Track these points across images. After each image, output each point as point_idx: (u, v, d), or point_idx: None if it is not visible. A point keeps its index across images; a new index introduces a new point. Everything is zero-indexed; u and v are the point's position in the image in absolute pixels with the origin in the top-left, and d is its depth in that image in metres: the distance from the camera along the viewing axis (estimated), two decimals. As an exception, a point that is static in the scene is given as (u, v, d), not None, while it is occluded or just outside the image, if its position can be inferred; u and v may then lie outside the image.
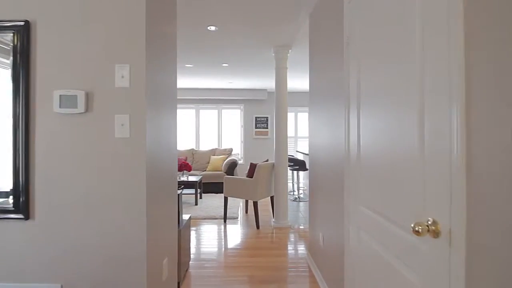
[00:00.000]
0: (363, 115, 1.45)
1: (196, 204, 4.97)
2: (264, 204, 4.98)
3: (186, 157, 6.60)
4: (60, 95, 1.49)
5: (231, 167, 6.05)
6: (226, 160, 6.15)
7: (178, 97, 7.34)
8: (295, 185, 6.33)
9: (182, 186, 5.44)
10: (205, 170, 6.52)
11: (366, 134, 1.40)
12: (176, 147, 2.22)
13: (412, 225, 0.95)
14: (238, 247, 3.17)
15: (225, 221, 4.10)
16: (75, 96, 1.49)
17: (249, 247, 3.16)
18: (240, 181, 3.96)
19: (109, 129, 1.51)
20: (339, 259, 1.88)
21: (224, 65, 4.84)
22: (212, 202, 5.20)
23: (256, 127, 7.66)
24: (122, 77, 1.52)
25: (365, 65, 1.41)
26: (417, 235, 0.94)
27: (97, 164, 1.49)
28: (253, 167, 3.94)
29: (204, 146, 7.59)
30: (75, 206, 1.48)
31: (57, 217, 1.48)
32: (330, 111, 2.15)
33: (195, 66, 4.96)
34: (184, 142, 7.59)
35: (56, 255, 1.49)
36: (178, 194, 2.50)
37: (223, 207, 4.13)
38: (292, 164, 5.26)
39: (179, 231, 2.35)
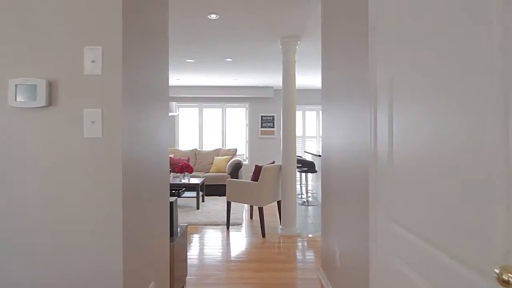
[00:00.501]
0: (399, 111, 1.11)
1: (198, 208, 4.68)
2: (271, 208, 4.65)
3: (189, 158, 6.32)
4: (16, 85, 1.20)
5: (236, 169, 5.74)
6: (230, 161, 5.84)
7: (180, 96, 7.09)
8: (303, 188, 6.00)
9: (184, 188, 5.17)
10: (208, 171, 6.23)
11: (404, 134, 1.07)
12: (167, 148, 1.92)
13: (497, 270, 0.63)
14: (241, 258, 2.85)
15: (228, 228, 3.79)
16: (34, 86, 1.19)
17: (253, 259, 2.85)
18: (244, 184, 3.64)
19: (77, 127, 1.21)
20: (361, 285, 1.55)
21: (227, 60, 4.53)
22: (215, 206, 4.90)
23: (262, 127, 7.34)
24: (93, 62, 1.22)
25: (401, 53, 1.09)
26: (506, 286, 0.62)
27: (61, 171, 1.19)
28: (258, 169, 3.62)
29: (208, 146, 7.31)
30: (31, 222, 1.18)
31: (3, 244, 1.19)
32: (349, 108, 1.82)
33: (197, 61, 4.67)
34: (187, 142, 7.32)
35: None
36: (172, 202, 2.20)
37: (226, 212, 3.82)
38: (300, 165, 4.92)
39: (173, 245, 2.05)
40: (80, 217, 1.19)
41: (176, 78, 6.05)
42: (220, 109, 7.34)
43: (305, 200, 5.16)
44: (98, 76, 1.22)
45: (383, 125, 1.27)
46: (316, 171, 5.05)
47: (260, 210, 3.52)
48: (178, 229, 2.33)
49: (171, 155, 6.34)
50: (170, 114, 6.15)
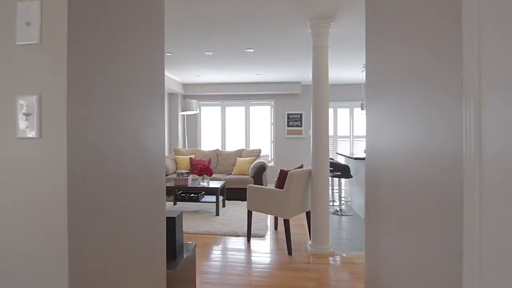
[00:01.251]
0: None
1: (217, 214, 4.26)
2: (298, 219, 4.12)
3: (210, 159, 5.96)
4: None
5: (259, 171, 5.27)
6: (254, 163, 5.38)
7: (201, 93, 6.76)
8: (336, 195, 5.39)
9: (203, 192, 4.80)
10: (230, 173, 5.82)
11: None
12: (162, 150, 1.48)
13: None
14: (263, 283, 2.37)
15: (248, 240, 3.32)
16: None
17: (278, 284, 2.35)
18: (267, 192, 3.16)
19: (5, 123, 0.80)
20: None
21: (248, 50, 4.07)
22: (236, 212, 4.46)
23: (288, 125, 6.80)
24: (28, 24, 0.80)
25: None
26: None
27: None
28: (283, 175, 3.11)
29: (231, 147, 6.91)
30: None
31: None
32: (416, 104, 1.26)
33: (216, 54, 4.25)
34: (210, 142, 6.98)
35: None
36: (174, 217, 1.77)
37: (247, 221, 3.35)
38: (332, 169, 4.33)
39: (173, 273, 1.61)
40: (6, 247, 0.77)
41: (197, 75, 5.71)
42: (244, 107, 6.91)
43: (338, 209, 4.56)
44: (35, 45, 0.80)
45: (497, 126, 0.72)
46: (351, 176, 4.42)
47: (286, 222, 3.01)
48: (184, 250, 1.90)
49: (192, 156, 6.02)
50: (190, 112, 5.83)
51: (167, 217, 1.80)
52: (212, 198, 4.52)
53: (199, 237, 3.42)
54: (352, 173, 4.78)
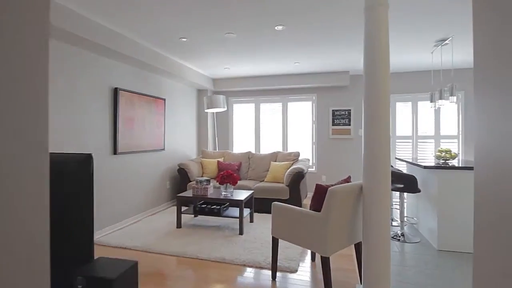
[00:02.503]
0: None
1: (241, 233, 3.47)
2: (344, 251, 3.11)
3: (241, 163, 5.21)
4: None
5: (296, 179, 4.34)
6: (290, 169, 4.48)
7: (233, 89, 6.05)
8: (395, 213, 4.24)
9: (227, 204, 4.05)
10: (263, 180, 4.99)
11: None
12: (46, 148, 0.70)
13: None
14: None
15: (273, 278, 2.45)
16: None
17: None
18: (297, 214, 2.26)
19: None
20: None
21: (278, 27, 3.20)
22: (266, 230, 3.62)
23: (333, 124, 5.74)
24: None
25: None
26: None
27: None
28: (321, 191, 2.18)
29: (267, 149, 6.08)
30: None
31: None
32: None
33: (239, 36, 3.47)
34: (242, 143, 6.24)
35: None
36: (111, 280, 1.00)
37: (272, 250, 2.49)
38: (392, 179, 3.22)
39: None
40: None
41: (224, 67, 5.00)
42: (281, 104, 6.02)
43: (399, 233, 3.42)
44: None
45: None
46: (418, 190, 3.26)
47: (325, 260, 2.08)
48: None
49: (221, 159, 5.34)
50: (217, 110, 5.14)
51: (89, 278, 1.03)
52: (235, 213, 3.74)
53: (210, 266, 2.66)
54: (420, 185, 3.60)
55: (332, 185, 2.14)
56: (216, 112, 6.29)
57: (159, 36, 3.48)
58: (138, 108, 4.12)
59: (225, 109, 5.26)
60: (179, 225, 3.69)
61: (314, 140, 5.87)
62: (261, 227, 3.77)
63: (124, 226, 3.79)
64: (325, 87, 5.77)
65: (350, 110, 5.66)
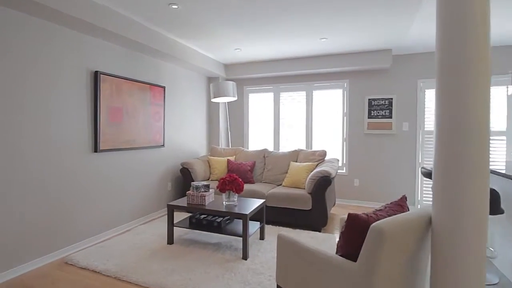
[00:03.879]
0: None
1: (245, 257, 2.65)
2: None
3: (254, 163, 4.38)
4: None
5: (321, 186, 3.42)
6: (314, 172, 3.55)
7: (248, 76, 5.18)
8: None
9: (229, 218, 3.03)
10: (280, 184, 4.13)
11: None
12: None
13: None
14: None
15: None
16: None
17: None
18: (317, 260, 1.37)
19: None
20: None
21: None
22: (278, 254, 2.77)
23: (370, 116, 4.69)
24: None
25: None
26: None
27: None
28: (356, 227, 1.27)
29: (287, 146, 5.19)
30: None
31: None
32: None
33: (245, 2, 2.61)
34: (259, 139, 5.40)
35: None
36: None
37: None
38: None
39: None
40: None
41: (235, 48, 4.17)
42: (304, 93, 5.07)
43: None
44: None
45: None
46: (501, 211, 2.21)
47: None
48: None
49: (231, 158, 4.55)
50: (226, 99, 4.34)
51: None
52: (240, 230, 2.93)
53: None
54: (503, 204, 2.53)
55: (376, 215, 1.23)
56: (228, 103, 5.50)
57: (144, 2, 2.72)
58: (128, 97, 3.44)
59: (236, 98, 4.44)
60: (170, 240, 2.96)
61: (345, 136, 4.86)
62: (273, 247, 2.91)
63: (105, 239, 3.14)
64: (359, 71, 4.72)
65: (391, 99, 4.56)
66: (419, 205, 4.48)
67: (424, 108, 4.43)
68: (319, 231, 3.44)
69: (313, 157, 4.10)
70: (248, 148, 5.43)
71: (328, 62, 4.60)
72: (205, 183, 3.03)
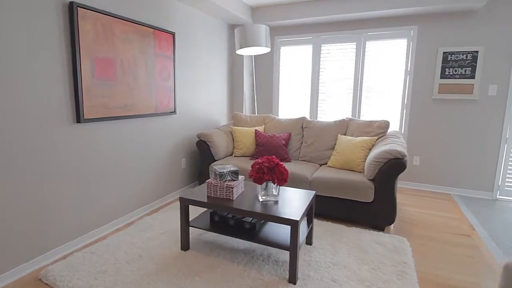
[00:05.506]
0: None
1: (293, 281, 1.81)
2: None
3: (290, 134, 3.43)
4: None
5: (389, 172, 2.45)
6: (379, 152, 2.57)
7: (281, 22, 3.89)
8: None
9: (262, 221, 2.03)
10: (325, 163, 3.20)
11: None
12: None
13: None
14: None
15: None
16: None
17: None
18: None
19: None
20: None
21: None
22: (340, 268, 1.91)
23: (443, 76, 3.53)
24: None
25: None
26: None
27: None
28: None
29: (329, 115, 4.17)
30: None
31: None
32: None
33: None
34: (291, 106, 4.38)
35: None
36: None
37: None
38: None
39: None
40: None
41: (269, -25, 2.99)
42: (354, 44, 3.90)
43: None
44: None
45: None
46: None
47: None
48: None
49: (259, 128, 3.60)
50: (256, 50, 3.29)
51: None
52: (284, 236, 2.07)
53: None
54: None
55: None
56: (254, 58, 4.41)
57: None
58: (123, 44, 2.46)
59: (269, 49, 3.36)
60: (185, 245, 2.16)
61: (405, 102, 3.77)
62: (329, 259, 2.06)
63: (99, 238, 2.39)
64: (434, 14, 3.47)
65: (477, 52, 3.35)
66: (498, 192, 3.48)
67: (527, 63, 3.22)
68: (382, 230, 2.56)
69: (370, 130, 3.09)
70: (278, 116, 4.45)
71: (389, 2, 3.35)
72: (233, 168, 2.13)
